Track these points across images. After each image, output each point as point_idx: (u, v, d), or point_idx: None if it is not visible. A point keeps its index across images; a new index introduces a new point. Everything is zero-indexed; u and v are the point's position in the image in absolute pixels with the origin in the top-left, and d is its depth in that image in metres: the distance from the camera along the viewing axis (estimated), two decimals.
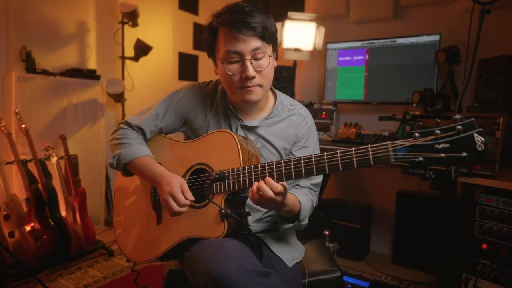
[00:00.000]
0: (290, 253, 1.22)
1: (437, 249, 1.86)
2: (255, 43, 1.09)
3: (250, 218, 1.20)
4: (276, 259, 1.17)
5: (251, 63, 1.10)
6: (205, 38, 1.17)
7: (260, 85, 1.13)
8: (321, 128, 2.54)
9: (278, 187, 0.98)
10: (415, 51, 2.33)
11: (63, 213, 2.47)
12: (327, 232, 2.32)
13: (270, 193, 0.97)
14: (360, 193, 2.75)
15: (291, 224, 1.15)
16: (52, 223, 2.34)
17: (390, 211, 2.57)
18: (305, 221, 1.18)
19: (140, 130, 1.25)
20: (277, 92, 1.29)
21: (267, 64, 1.13)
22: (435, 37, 2.26)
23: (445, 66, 2.19)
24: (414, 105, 2.11)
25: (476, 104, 2.02)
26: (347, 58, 2.59)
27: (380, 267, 2.38)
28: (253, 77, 1.11)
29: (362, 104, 2.60)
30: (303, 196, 1.16)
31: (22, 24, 2.54)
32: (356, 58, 2.55)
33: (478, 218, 1.70)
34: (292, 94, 2.58)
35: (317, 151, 1.30)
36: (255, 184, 1.00)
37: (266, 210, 1.22)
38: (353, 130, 2.30)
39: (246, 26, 1.06)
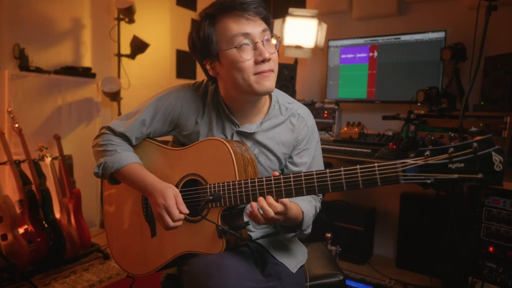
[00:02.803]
0: (293, 258, 1.20)
1: (442, 252, 1.86)
2: (262, 24, 1.04)
3: (250, 224, 1.18)
4: (280, 265, 1.14)
5: (263, 45, 1.02)
6: (200, 36, 1.05)
7: (273, 71, 1.05)
8: (323, 127, 2.51)
9: (278, 207, 0.94)
10: (419, 49, 2.30)
11: (57, 215, 2.45)
12: (329, 235, 2.28)
13: (271, 213, 0.94)
14: (363, 194, 2.72)
15: (293, 234, 1.10)
16: (46, 225, 2.31)
17: (394, 213, 2.54)
18: (308, 230, 1.13)
19: (124, 137, 1.17)
20: None
21: (275, 48, 1.07)
22: (441, 34, 2.23)
23: (450, 64, 2.18)
24: (419, 104, 2.10)
25: (482, 103, 2.01)
26: (350, 55, 2.56)
27: (384, 270, 2.36)
28: (269, 59, 1.02)
29: (365, 102, 2.57)
30: (306, 204, 1.11)
31: (15, 20, 2.50)
32: (359, 55, 2.52)
33: (485, 220, 1.68)
34: (293, 93, 2.55)
35: (319, 153, 1.26)
36: (255, 204, 0.95)
37: None
38: (356, 129, 2.27)
39: (249, 8, 1.00)
